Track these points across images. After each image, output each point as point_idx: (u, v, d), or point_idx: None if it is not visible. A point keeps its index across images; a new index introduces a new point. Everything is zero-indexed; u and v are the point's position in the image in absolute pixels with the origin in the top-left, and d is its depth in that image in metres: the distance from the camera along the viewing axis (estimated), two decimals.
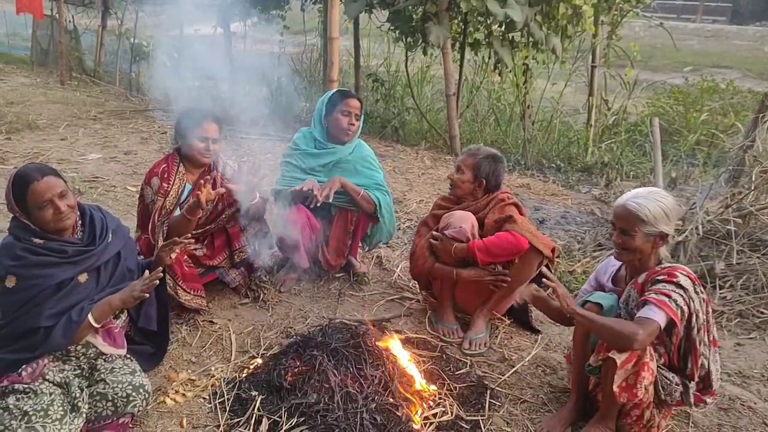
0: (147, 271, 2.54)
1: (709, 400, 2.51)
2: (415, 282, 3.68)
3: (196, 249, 3.37)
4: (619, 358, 2.27)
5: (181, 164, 3.27)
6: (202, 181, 3.07)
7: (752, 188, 4.43)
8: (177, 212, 3.20)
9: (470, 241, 3.13)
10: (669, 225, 2.40)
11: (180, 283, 3.19)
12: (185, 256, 3.25)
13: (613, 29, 8.04)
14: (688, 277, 2.35)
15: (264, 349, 3.04)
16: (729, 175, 5.12)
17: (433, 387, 2.76)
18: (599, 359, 2.36)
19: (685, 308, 2.29)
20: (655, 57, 15.79)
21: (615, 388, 2.31)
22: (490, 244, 3.11)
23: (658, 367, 2.39)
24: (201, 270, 3.42)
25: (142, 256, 3.01)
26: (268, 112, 8.87)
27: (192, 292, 3.23)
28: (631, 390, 2.30)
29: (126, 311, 2.69)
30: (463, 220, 3.22)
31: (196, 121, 3.19)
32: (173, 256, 2.66)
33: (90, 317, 2.40)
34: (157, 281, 2.49)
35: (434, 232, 3.28)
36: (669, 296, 2.27)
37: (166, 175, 3.21)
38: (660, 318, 2.24)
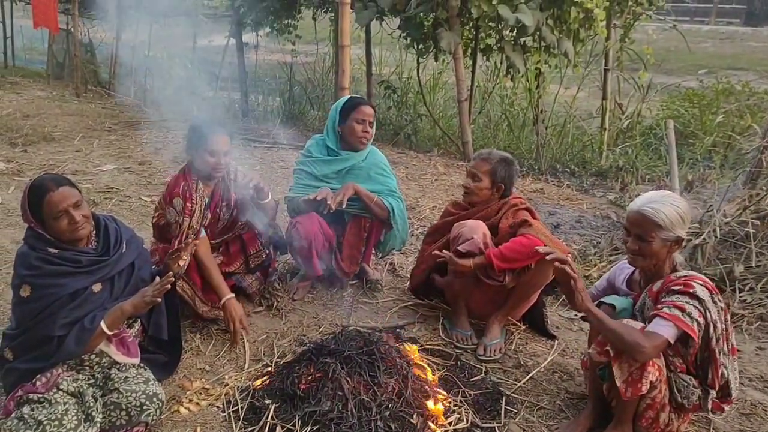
0: (158, 278, 2.55)
1: (726, 408, 2.47)
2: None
3: (213, 257, 3.37)
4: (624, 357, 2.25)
5: (199, 181, 3.23)
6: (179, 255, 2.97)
7: None
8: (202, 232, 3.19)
9: (486, 250, 3.11)
10: (684, 229, 2.37)
11: (199, 294, 3.19)
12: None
13: (625, 32, 7.99)
14: (705, 286, 2.30)
15: (277, 357, 3.03)
16: (746, 177, 5.05)
17: (447, 394, 2.74)
18: (602, 358, 2.32)
19: (701, 320, 2.24)
20: (669, 60, 15.67)
21: (619, 384, 2.27)
22: (506, 250, 3.08)
23: (675, 372, 2.35)
24: None
25: (157, 266, 3.02)
26: (280, 121, 8.93)
27: (210, 304, 3.23)
28: (636, 385, 2.26)
29: (139, 320, 2.69)
30: (474, 231, 3.18)
31: (204, 136, 3.14)
32: (181, 263, 2.66)
33: (102, 324, 2.41)
34: (169, 286, 2.49)
35: (444, 252, 3.20)
36: (683, 309, 2.23)
37: (188, 195, 3.15)
38: (668, 333, 2.20)
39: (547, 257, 2.54)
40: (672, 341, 2.22)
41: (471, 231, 3.19)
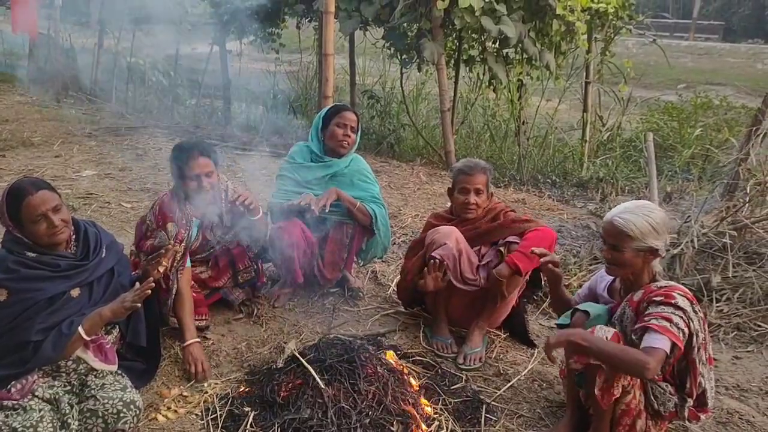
0: (138, 284, 2.53)
1: (703, 417, 2.49)
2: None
3: (201, 272, 3.36)
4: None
5: (187, 204, 3.16)
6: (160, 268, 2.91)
7: (747, 201, 4.43)
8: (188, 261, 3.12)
9: (506, 257, 3.10)
10: (658, 239, 2.38)
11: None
12: (192, 282, 3.21)
13: (606, 46, 8.10)
14: (686, 297, 2.33)
15: (257, 365, 3.01)
16: (724, 189, 5.13)
17: (427, 402, 2.74)
18: (578, 366, 2.34)
19: (686, 330, 2.26)
20: (649, 74, 15.88)
21: (596, 392, 2.29)
22: (525, 249, 3.05)
23: (652, 379, 2.37)
24: (206, 292, 3.40)
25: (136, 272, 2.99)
26: (263, 129, 8.90)
27: (197, 317, 3.19)
28: (609, 390, 2.28)
29: (117, 327, 2.66)
30: (447, 236, 3.20)
31: (184, 160, 3.08)
32: (161, 269, 2.63)
33: (80, 329, 2.38)
34: (149, 291, 2.46)
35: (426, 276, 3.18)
36: (670, 320, 2.24)
37: (183, 222, 3.10)
38: (665, 345, 2.20)
39: (542, 259, 2.61)
40: (669, 353, 2.22)
41: (444, 237, 3.21)
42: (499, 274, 3.08)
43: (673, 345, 2.23)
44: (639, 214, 2.37)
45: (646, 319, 2.29)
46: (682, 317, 2.26)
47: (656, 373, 2.23)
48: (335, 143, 3.62)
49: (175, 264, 2.97)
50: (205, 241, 3.30)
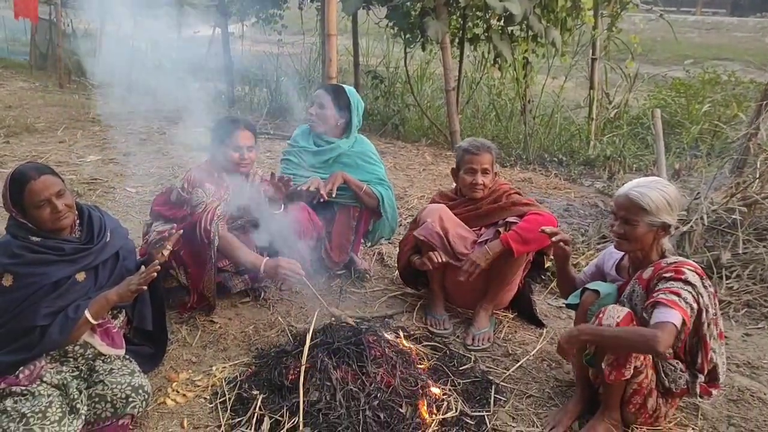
0: (143, 267, 2.52)
1: (714, 392, 2.47)
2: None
3: None
4: None
5: (224, 175, 3.23)
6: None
7: (757, 176, 4.37)
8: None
9: (502, 236, 3.08)
10: (671, 215, 2.36)
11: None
12: None
13: (612, 22, 7.99)
14: (696, 272, 2.30)
15: (265, 348, 3.00)
16: (733, 165, 5.07)
17: (436, 383, 2.72)
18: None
19: (695, 305, 2.24)
20: (656, 50, 15.73)
21: (604, 366, 2.27)
22: (522, 231, 3.04)
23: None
24: None
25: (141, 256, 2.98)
26: (266, 111, 8.85)
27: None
28: (620, 369, 2.26)
29: (124, 312, 2.65)
30: (430, 214, 3.22)
31: (229, 131, 3.18)
32: (165, 252, 2.61)
33: (87, 313, 2.37)
34: (155, 274, 2.45)
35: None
36: (679, 295, 2.22)
37: (223, 184, 3.17)
38: (675, 319, 2.17)
39: (553, 238, 2.59)
40: (679, 326, 2.19)
41: (427, 214, 3.21)
42: (489, 248, 3.07)
43: (683, 320, 2.21)
44: (654, 188, 2.34)
45: (655, 294, 2.27)
46: (690, 292, 2.23)
47: (668, 348, 2.20)
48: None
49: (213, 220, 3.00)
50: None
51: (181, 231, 2.79)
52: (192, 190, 3.12)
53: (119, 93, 10.06)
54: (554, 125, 8.14)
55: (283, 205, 3.31)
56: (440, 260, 3.17)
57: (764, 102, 4.69)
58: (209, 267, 3.06)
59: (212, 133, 3.26)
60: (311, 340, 2.71)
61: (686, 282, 2.25)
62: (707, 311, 2.28)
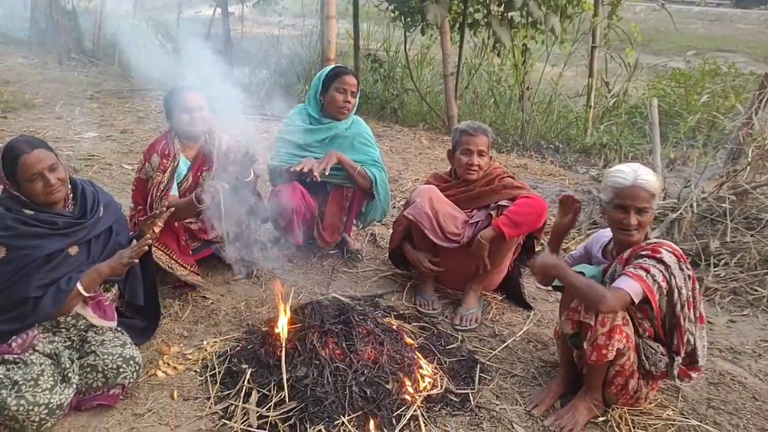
0: (134, 241, 2.55)
1: (694, 376, 2.51)
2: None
3: (191, 223, 3.37)
4: (592, 320, 2.30)
5: (176, 140, 3.27)
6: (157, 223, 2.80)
7: (747, 164, 4.40)
8: (174, 189, 3.21)
9: (494, 221, 3.11)
10: None
11: (175, 258, 3.19)
12: (182, 232, 3.28)
13: (613, 10, 7.95)
14: (673, 253, 2.34)
15: (256, 324, 3.04)
16: (728, 155, 5.10)
17: (424, 361, 2.77)
18: (573, 326, 2.37)
19: (664, 284, 2.28)
20: (659, 41, 15.64)
21: (585, 345, 2.32)
22: (513, 215, 3.09)
23: (643, 338, 2.40)
24: (197, 244, 3.44)
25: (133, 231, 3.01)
26: (265, 92, 8.84)
27: (188, 267, 3.24)
28: (601, 350, 2.31)
29: (116, 285, 2.69)
30: (419, 194, 3.27)
31: (177, 95, 3.21)
32: (156, 229, 2.64)
33: (79, 285, 2.41)
34: (146, 248, 2.49)
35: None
36: (647, 271, 2.28)
37: (166, 152, 3.20)
38: (631, 289, 2.25)
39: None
40: (636, 300, 2.26)
41: (417, 194, 3.26)
42: (482, 237, 3.11)
43: (645, 296, 2.26)
44: (648, 172, 2.39)
45: (626, 267, 2.32)
46: (662, 271, 2.28)
47: (612, 310, 2.28)
48: (335, 109, 3.59)
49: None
50: (195, 182, 3.32)
51: (173, 208, 2.82)
52: (145, 162, 3.20)
53: (118, 71, 10.07)
54: (552, 112, 8.13)
55: (252, 172, 3.30)
56: (432, 269, 3.34)
57: (759, 92, 4.70)
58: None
59: (165, 102, 3.30)
60: (297, 316, 2.76)
61: (660, 261, 2.30)
62: (680, 292, 2.32)
